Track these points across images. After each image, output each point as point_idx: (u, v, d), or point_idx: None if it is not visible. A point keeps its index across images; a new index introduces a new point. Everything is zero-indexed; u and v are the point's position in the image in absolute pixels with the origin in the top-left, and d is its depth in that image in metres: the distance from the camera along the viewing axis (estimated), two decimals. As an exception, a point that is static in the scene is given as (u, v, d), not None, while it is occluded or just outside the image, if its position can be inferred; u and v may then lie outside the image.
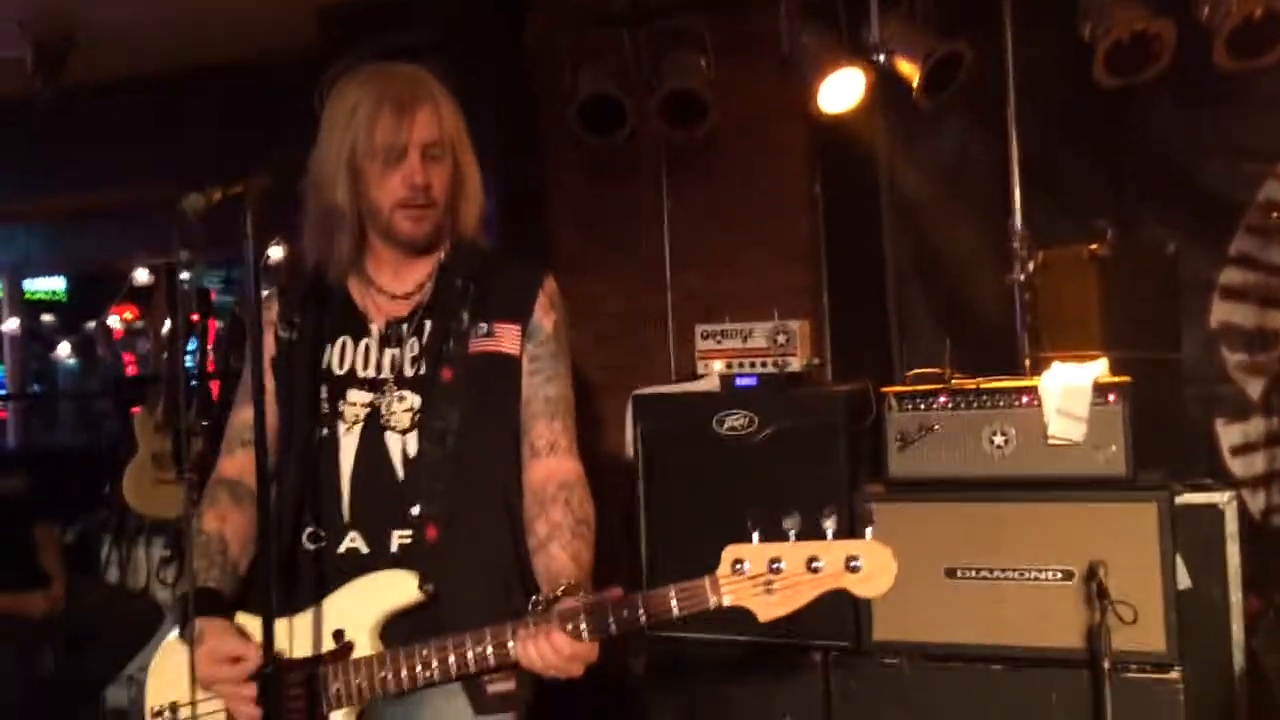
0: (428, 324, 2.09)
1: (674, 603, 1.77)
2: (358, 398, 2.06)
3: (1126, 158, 4.29)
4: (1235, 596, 3.31)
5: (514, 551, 2.05)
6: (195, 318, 4.93)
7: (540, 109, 5.11)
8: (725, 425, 3.63)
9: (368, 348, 2.10)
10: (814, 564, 1.73)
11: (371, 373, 2.08)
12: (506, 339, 2.09)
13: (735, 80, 4.70)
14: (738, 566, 1.75)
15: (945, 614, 3.36)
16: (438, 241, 2.13)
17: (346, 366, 2.09)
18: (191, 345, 4.95)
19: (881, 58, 4.35)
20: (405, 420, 2.03)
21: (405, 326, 2.10)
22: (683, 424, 3.71)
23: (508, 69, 5.03)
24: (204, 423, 4.52)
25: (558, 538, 1.98)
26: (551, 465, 2.06)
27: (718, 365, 3.77)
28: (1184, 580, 3.29)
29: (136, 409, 4.72)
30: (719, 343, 3.78)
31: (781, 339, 3.74)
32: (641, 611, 1.78)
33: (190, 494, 2.18)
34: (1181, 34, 3.91)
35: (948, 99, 4.32)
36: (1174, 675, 3.16)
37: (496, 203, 4.69)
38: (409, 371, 2.06)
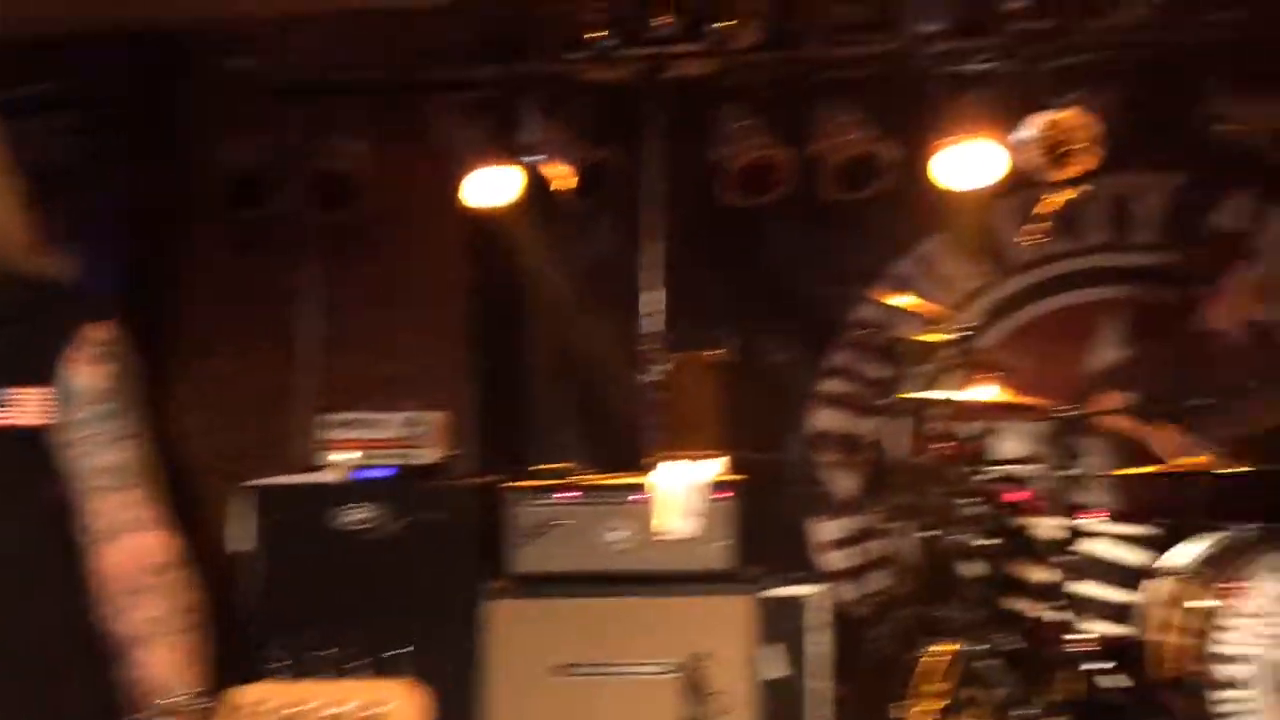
0: None
1: None
2: None
3: (751, 272, 4.66)
4: (820, 684, 3.58)
5: (71, 664, 1.80)
6: None
7: (191, 177, 4.86)
8: (348, 519, 3.54)
9: None
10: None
11: None
12: (26, 408, 1.74)
13: (397, 166, 4.70)
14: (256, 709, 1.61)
15: (558, 713, 3.41)
16: None
17: None
18: None
19: (534, 159, 4.52)
20: None
21: None
22: (302, 517, 3.59)
23: (150, 132, 4.76)
24: None
25: (148, 640, 1.70)
26: (127, 547, 1.74)
27: (346, 455, 3.68)
28: (779, 670, 3.52)
29: None
30: (348, 432, 3.70)
31: (416, 430, 3.71)
32: None
33: None
34: (802, 164, 4.35)
35: (595, 204, 4.55)
36: (765, 763, 3.36)
37: (124, 269, 4.47)
38: None
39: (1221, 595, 3.05)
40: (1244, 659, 2.99)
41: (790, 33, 4.29)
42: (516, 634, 3.46)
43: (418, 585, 3.51)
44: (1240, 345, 3.93)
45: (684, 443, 3.99)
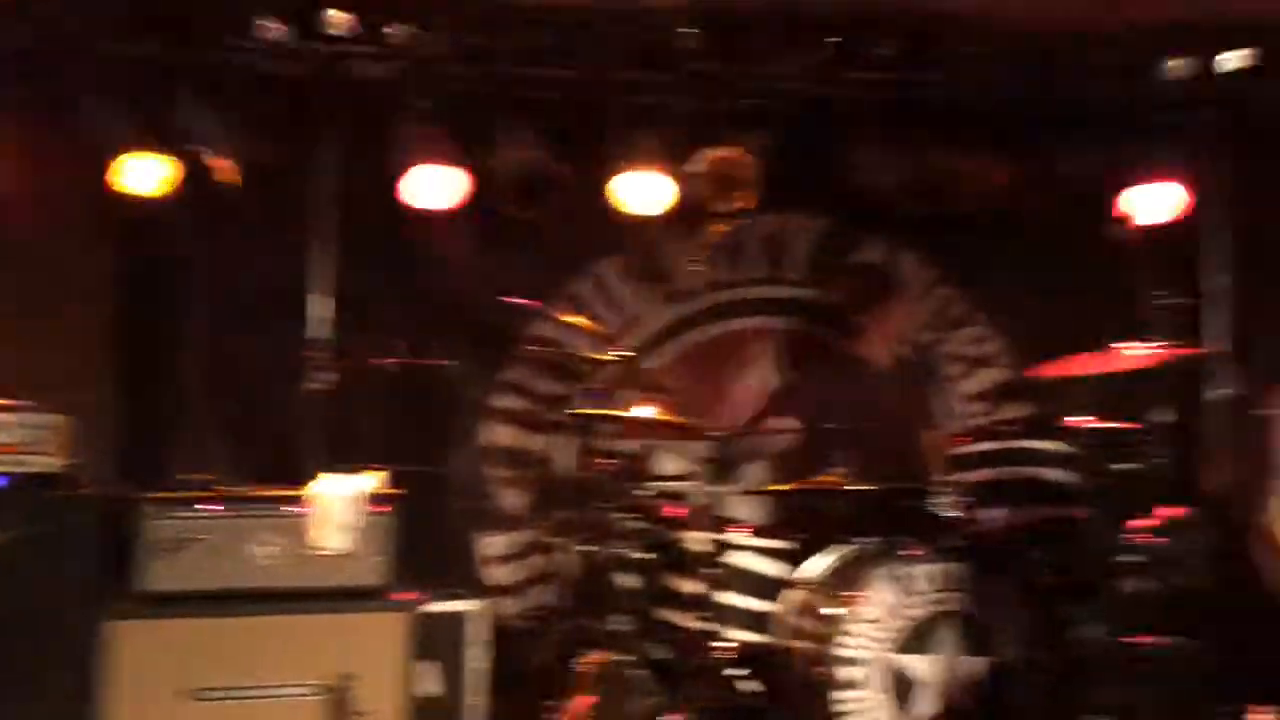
0: None
1: None
2: None
3: (424, 283, 4.58)
4: (476, 700, 3.54)
5: None
6: None
7: None
8: (-56, 532, 3.12)
9: None
10: None
11: None
12: None
13: (31, 144, 4.23)
14: None
15: (191, 739, 3.16)
16: None
17: None
18: None
19: (194, 149, 4.22)
20: None
21: None
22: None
23: None
24: None
25: None
26: None
27: (-52, 461, 3.24)
28: (433, 687, 3.45)
29: None
30: (-49, 435, 3.26)
31: (33, 434, 3.33)
32: None
33: None
34: (481, 177, 4.34)
35: (261, 202, 4.31)
36: (415, 783, 3.28)
37: None
38: None
39: (845, 603, 3.30)
40: (862, 662, 3.25)
41: (475, 47, 4.28)
42: (144, 657, 3.17)
43: (27, 605, 3.13)
44: (885, 374, 4.31)
45: (346, 454, 3.85)
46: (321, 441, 4.00)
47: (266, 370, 4.32)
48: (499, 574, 4.57)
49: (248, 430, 4.24)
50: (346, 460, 3.74)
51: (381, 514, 3.46)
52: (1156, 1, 3.99)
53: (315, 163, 4.39)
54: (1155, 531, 3.27)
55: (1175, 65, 4.19)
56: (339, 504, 3.43)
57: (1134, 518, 3.65)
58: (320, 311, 4.36)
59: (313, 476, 3.78)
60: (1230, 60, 4.13)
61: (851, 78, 4.38)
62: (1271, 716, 1.83)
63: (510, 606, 4.47)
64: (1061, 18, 4.15)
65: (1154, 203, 4.38)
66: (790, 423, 4.27)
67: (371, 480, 3.56)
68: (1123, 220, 3.65)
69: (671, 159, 4.43)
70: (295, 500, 3.42)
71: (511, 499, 4.62)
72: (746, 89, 4.48)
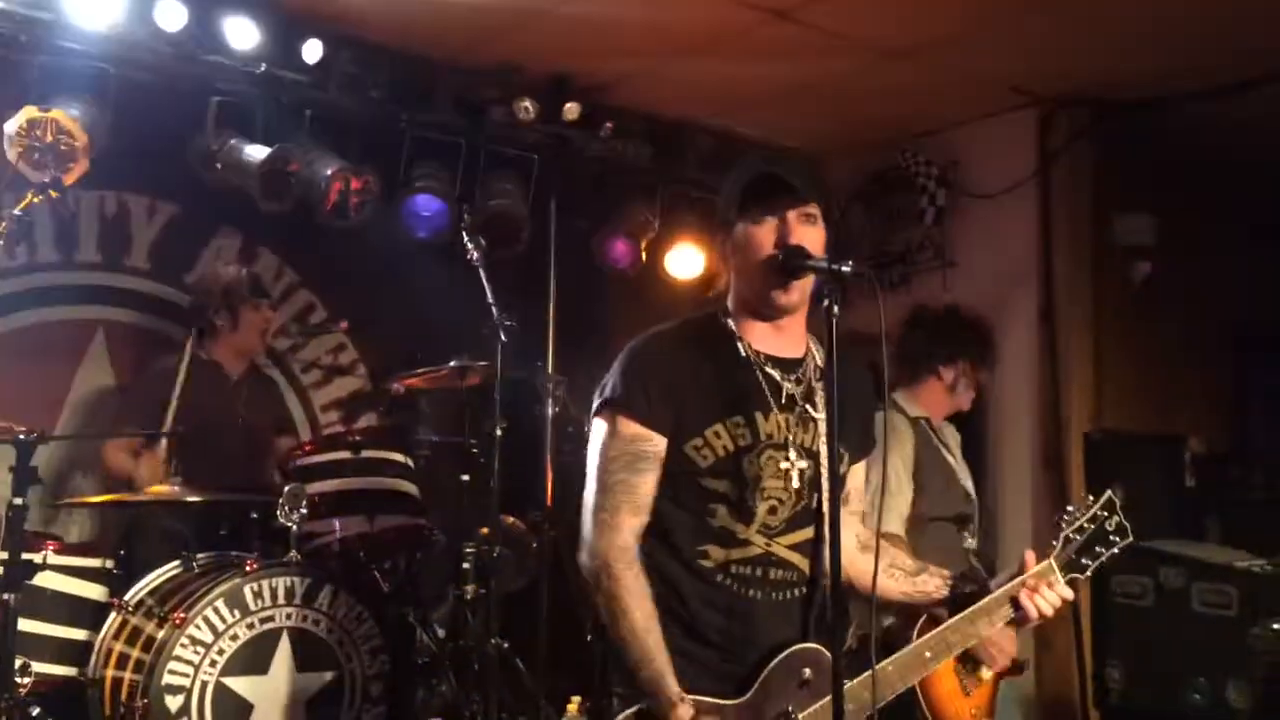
0: None
1: None
2: None
3: None
4: None
5: None
6: None
7: None
8: None
9: None
10: None
11: None
12: None
13: None
14: None
15: None
16: None
17: None
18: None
19: None
20: None
21: None
22: None
23: None
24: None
25: None
26: None
27: None
28: None
29: None
30: None
31: None
32: None
33: None
34: None
35: None
36: None
37: None
38: None
39: (171, 626, 3.02)
40: (188, 689, 3.00)
41: None
42: None
43: None
44: (237, 378, 4.01)
45: None
46: None
47: None
48: None
49: None
50: None
51: None
52: (511, 45, 4.25)
53: None
54: (490, 540, 3.45)
55: (521, 107, 4.49)
56: None
57: (474, 526, 3.83)
58: None
59: None
60: (568, 110, 4.54)
61: (210, 60, 4.05)
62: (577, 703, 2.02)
63: None
64: (437, 44, 4.24)
65: (494, 230, 4.56)
66: (130, 426, 3.84)
67: None
68: (476, 244, 3.72)
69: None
70: None
71: None
72: (81, 49, 3.94)
